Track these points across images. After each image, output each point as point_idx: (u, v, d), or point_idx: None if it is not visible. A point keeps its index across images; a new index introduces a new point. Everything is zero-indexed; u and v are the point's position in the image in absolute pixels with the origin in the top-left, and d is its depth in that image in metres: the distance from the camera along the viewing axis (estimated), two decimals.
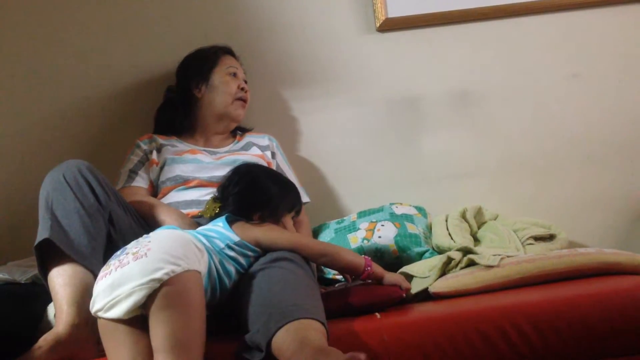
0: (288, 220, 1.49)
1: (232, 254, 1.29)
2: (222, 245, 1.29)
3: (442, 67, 2.10)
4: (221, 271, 1.25)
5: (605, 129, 2.06)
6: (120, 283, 1.09)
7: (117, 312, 1.09)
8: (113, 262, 1.14)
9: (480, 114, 2.08)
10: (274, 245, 1.32)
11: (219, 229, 1.33)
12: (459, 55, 2.10)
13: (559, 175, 2.05)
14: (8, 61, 2.06)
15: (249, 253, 1.32)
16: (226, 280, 1.26)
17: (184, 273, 1.10)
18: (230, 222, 1.36)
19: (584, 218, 2.02)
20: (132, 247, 1.16)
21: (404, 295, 1.39)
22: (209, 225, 1.38)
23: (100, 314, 1.12)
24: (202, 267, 1.18)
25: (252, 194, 1.44)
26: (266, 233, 1.34)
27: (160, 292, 1.07)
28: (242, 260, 1.30)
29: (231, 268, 1.28)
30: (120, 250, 1.18)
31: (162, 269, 1.08)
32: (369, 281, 1.41)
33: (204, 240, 1.27)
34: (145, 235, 1.20)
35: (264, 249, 1.33)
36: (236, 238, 1.31)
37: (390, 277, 1.40)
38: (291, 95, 2.11)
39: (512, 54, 2.10)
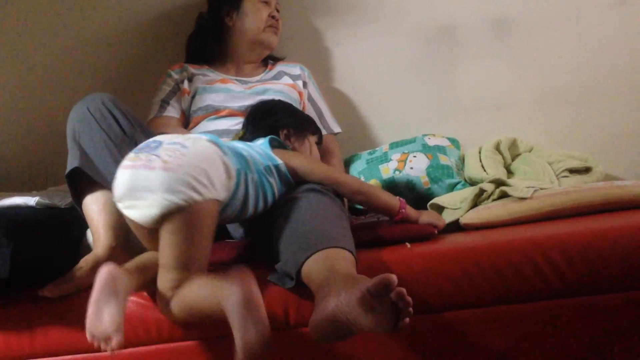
0: (313, 144, 1.51)
1: (270, 179, 1.28)
2: (263, 165, 1.27)
3: None
4: (250, 192, 1.22)
5: None
6: (142, 186, 1.08)
7: (135, 216, 1.11)
8: (144, 156, 1.11)
9: (518, 42, 2.00)
10: (310, 176, 1.31)
11: (262, 149, 1.32)
12: None
13: (598, 107, 1.98)
14: None
15: (284, 181, 1.31)
16: (261, 202, 1.26)
17: (203, 203, 1.09)
18: (272, 146, 1.35)
19: (622, 151, 1.96)
20: (166, 151, 1.11)
21: (436, 232, 1.36)
22: (250, 144, 1.36)
23: (119, 205, 1.13)
24: (224, 193, 1.16)
25: (276, 112, 1.51)
26: (304, 163, 1.33)
27: (175, 215, 1.07)
28: (276, 187, 1.29)
29: (268, 189, 1.27)
30: (154, 142, 1.15)
31: (182, 192, 1.07)
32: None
33: (248, 154, 1.25)
34: (183, 140, 1.15)
35: (297, 179, 1.32)
36: (279, 161, 1.30)
37: (425, 218, 1.37)
38: (323, 24, 2.06)
39: None
